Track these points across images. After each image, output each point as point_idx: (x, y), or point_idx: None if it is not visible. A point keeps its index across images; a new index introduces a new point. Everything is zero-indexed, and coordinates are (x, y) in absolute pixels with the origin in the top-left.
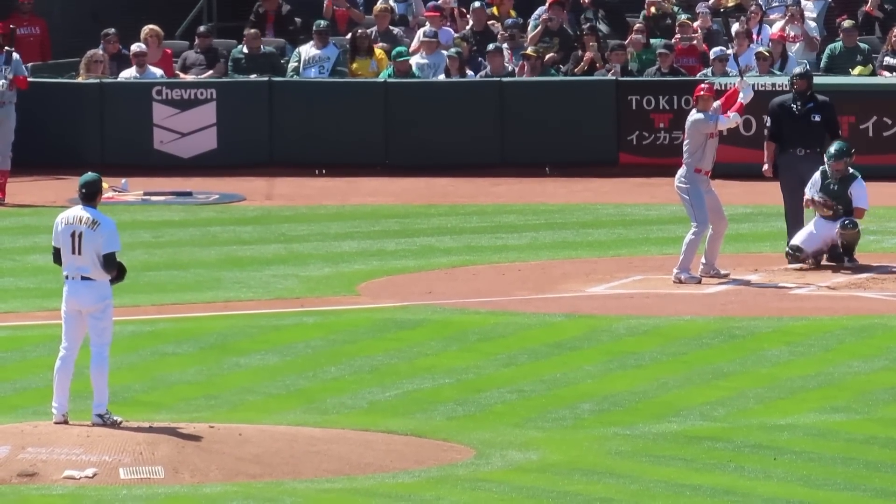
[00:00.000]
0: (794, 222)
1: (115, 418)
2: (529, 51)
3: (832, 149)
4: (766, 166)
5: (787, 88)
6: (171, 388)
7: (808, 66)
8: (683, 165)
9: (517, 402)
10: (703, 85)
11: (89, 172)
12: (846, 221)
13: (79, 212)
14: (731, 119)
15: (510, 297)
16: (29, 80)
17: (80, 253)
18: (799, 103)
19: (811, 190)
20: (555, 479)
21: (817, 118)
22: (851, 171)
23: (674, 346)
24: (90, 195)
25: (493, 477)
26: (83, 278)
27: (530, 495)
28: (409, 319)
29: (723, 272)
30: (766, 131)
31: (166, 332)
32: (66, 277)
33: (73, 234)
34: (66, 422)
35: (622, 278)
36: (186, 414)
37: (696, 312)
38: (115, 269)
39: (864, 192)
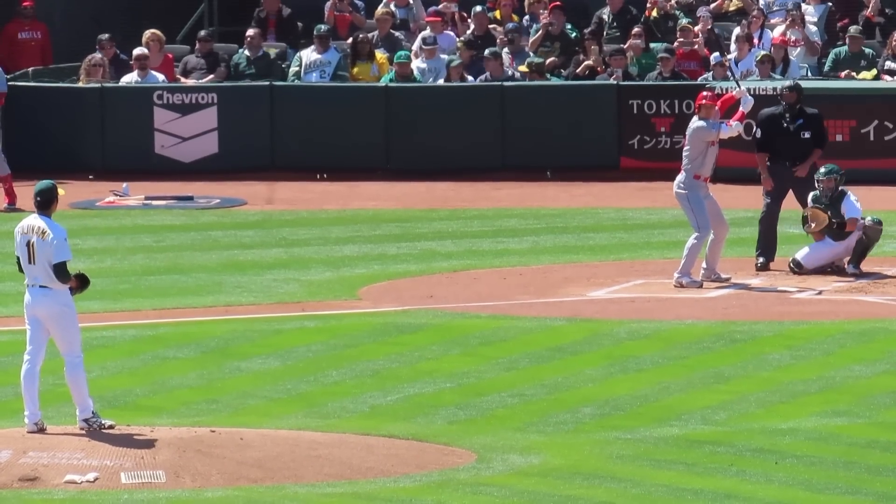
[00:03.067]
0: (767, 231)
1: (102, 422)
2: (524, 66)
3: (822, 168)
4: (767, 183)
5: (778, 98)
6: (172, 393)
7: (808, 71)
8: (682, 171)
9: (518, 406)
10: (704, 92)
11: (44, 180)
12: (872, 219)
13: (32, 221)
14: (734, 128)
15: (511, 301)
16: (29, 84)
17: (34, 262)
18: (788, 116)
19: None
20: (556, 483)
21: (807, 135)
22: (841, 188)
23: (675, 350)
24: (44, 203)
25: (495, 481)
26: (41, 287)
27: (531, 499)
28: (410, 323)
29: (724, 276)
30: (755, 143)
31: (167, 337)
32: (28, 286)
33: (27, 244)
34: (41, 430)
35: (623, 282)
36: (188, 418)
37: (698, 316)
38: (66, 278)
39: (856, 205)
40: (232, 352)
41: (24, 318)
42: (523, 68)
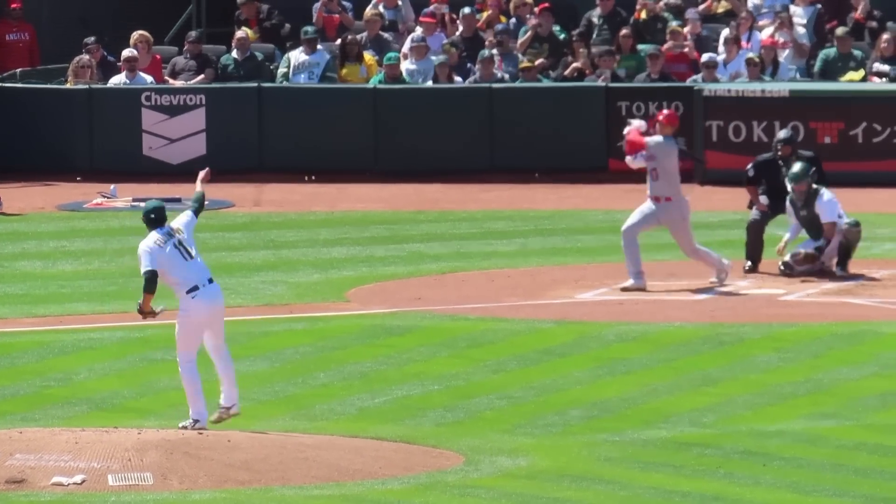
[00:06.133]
0: (754, 236)
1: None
2: (525, 63)
3: (792, 171)
4: (759, 205)
5: (774, 148)
6: (159, 395)
7: (797, 73)
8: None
9: (506, 408)
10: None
11: (152, 200)
12: (849, 221)
13: (161, 232)
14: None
15: (500, 304)
16: (17, 86)
17: (192, 257)
18: (785, 169)
19: (789, 235)
20: (544, 485)
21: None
22: (815, 187)
23: (663, 353)
24: (162, 219)
25: (483, 483)
26: (210, 281)
27: (519, 502)
28: (398, 326)
29: (725, 262)
30: (746, 180)
31: (155, 339)
32: (195, 288)
33: (177, 245)
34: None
35: (612, 284)
36: (175, 420)
37: (686, 319)
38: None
39: (831, 206)
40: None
41: (187, 322)
42: (525, 64)
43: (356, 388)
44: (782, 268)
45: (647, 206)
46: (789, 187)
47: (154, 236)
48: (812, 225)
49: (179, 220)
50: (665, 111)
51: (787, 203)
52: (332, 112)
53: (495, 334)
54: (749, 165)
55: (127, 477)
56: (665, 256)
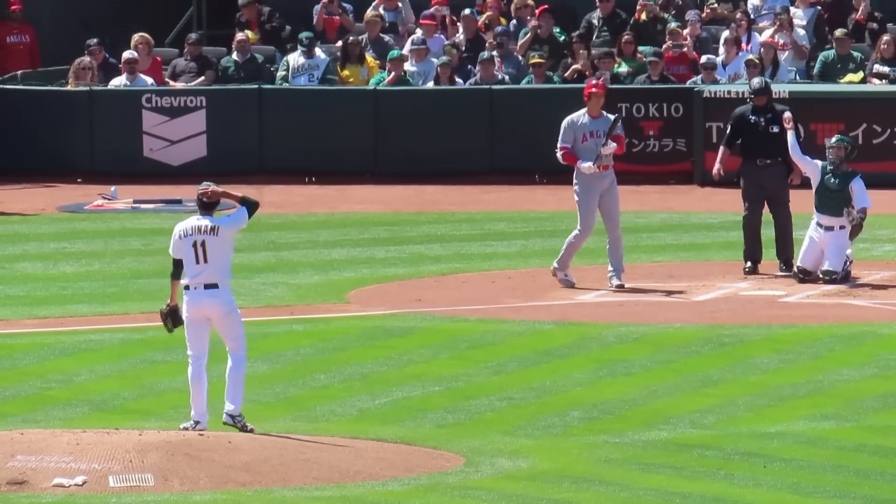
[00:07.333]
0: (751, 235)
1: (247, 423)
2: (536, 59)
3: (834, 138)
4: (716, 167)
5: (748, 100)
6: (160, 396)
7: (797, 75)
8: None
9: (507, 409)
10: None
11: (208, 181)
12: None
13: (195, 221)
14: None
15: (500, 305)
16: (18, 87)
17: (205, 261)
18: (759, 116)
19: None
20: (544, 486)
21: (776, 129)
22: (853, 169)
23: (663, 354)
24: (211, 205)
25: (483, 485)
26: (206, 287)
27: (520, 503)
28: (398, 327)
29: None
30: (724, 138)
31: (156, 340)
32: (187, 288)
33: (195, 245)
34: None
35: (611, 286)
36: (176, 422)
37: (686, 320)
38: (254, 208)
39: (865, 192)
40: (220, 355)
41: (185, 320)
42: (536, 60)
43: (357, 389)
44: (798, 274)
45: (588, 187)
46: (828, 150)
47: (187, 225)
48: (830, 199)
49: (228, 223)
50: (594, 81)
51: (820, 166)
52: (333, 114)
53: (495, 336)
54: (730, 122)
55: (128, 478)
56: (664, 258)
